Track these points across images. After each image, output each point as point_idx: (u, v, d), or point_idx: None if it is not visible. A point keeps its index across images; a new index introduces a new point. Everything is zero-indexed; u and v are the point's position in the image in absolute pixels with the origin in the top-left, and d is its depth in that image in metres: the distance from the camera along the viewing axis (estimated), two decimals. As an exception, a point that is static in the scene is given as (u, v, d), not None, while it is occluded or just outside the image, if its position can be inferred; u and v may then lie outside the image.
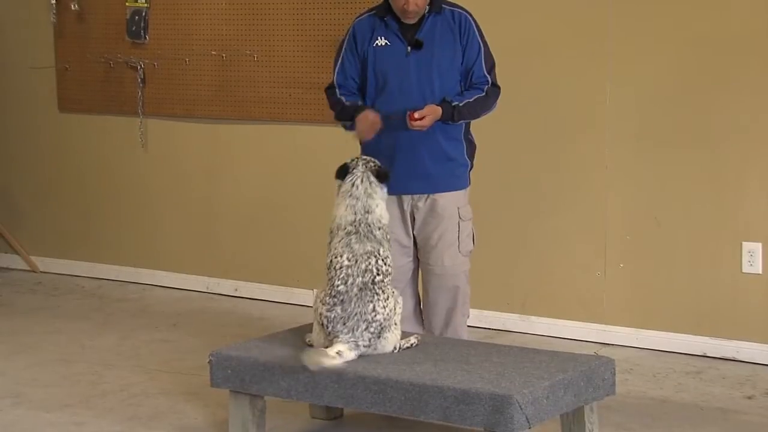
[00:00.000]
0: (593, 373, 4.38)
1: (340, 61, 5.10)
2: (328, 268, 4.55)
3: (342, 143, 5.26)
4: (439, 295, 5.11)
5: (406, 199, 5.02)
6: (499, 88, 5.03)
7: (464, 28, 4.99)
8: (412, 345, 4.59)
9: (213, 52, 6.93)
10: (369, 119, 4.92)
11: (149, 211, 7.35)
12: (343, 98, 5.05)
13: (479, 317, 6.25)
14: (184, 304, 6.91)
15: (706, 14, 5.65)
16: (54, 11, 7.39)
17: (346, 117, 5.02)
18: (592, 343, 5.98)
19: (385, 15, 5.01)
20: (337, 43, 5.19)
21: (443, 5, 5.02)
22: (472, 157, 5.13)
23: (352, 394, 4.32)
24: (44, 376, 5.57)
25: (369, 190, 4.63)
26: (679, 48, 5.73)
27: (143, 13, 7.15)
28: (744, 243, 5.66)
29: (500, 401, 4.03)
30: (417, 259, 5.15)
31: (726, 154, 5.67)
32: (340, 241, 4.56)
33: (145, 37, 7.16)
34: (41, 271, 7.72)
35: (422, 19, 4.99)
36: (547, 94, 6.05)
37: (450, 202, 5.05)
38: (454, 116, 4.93)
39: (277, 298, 6.89)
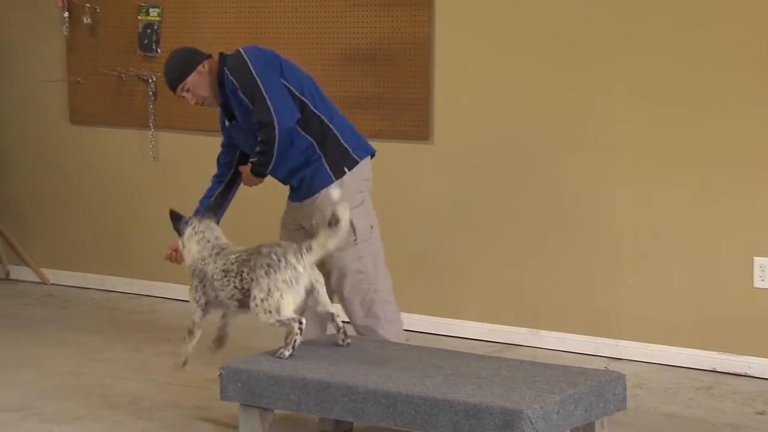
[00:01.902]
0: (604, 387, 4.38)
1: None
2: (208, 279, 5.12)
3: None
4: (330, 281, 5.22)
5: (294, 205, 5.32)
6: (268, 140, 5.01)
7: (235, 89, 5.06)
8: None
9: (224, 66, 6.93)
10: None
11: (160, 224, 7.32)
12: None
13: (489, 331, 6.25)
14: (194, 317, 6.89)
15: (709, 30, 5.65)
16: (66, 24, 7.40)
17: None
18: (602, 358, 5.97)
19: None
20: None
21: (226, 72, 5.08)
22: (325, 155, 5.15)
23: (362, 408, 4.31)
24: (54, 388, 5.57)
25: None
26: (688, 60, 5.72)
27: (155, 27, 7.17)
28: (755, 258, 5.65)
29: (510, 416, 4.02)
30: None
31: (737, 167, 5.66)
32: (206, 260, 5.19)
33: (157, 51, 7.18)
34: (52, 284, 7.73)
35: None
36: (552, 108, 6.04)
37: (306, 206, 5.22)
38: (257, 171, 5.18)
39: (287, 311, 6.87)
